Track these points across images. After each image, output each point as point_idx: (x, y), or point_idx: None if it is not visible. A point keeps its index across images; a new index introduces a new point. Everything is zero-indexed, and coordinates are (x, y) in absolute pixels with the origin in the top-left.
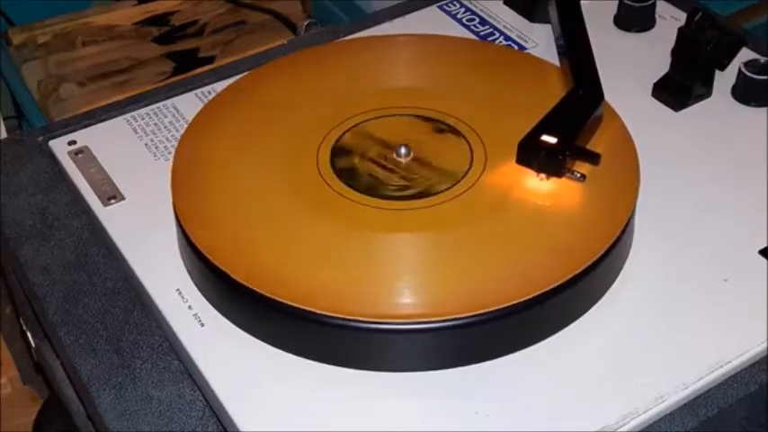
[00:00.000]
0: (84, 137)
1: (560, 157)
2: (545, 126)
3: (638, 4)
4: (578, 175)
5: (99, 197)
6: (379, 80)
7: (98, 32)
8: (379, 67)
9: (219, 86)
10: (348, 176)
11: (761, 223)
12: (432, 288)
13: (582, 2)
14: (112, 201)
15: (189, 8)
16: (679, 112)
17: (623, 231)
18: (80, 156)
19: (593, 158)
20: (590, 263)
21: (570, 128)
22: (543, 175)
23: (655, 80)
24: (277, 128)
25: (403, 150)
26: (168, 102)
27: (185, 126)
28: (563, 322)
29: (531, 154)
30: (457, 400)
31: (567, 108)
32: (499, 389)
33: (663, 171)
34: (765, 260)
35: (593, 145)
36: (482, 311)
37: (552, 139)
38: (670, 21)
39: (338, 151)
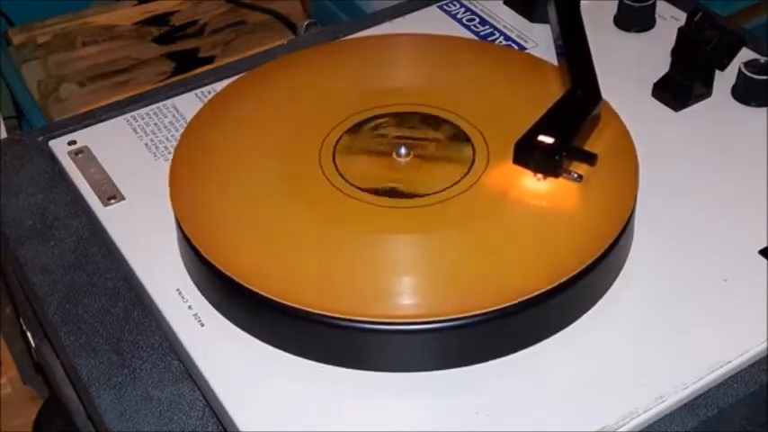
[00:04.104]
0: (84, 137)
1: (557, 157)
2: (542, 126)
3: (638, 4)
4: (575, 175)
5: (99, 197)
6: (379, 80)
7: (98, 32)
8: (379, 67)
9: (219, 86)
10: (349, 176)
11: (761, 223)
12: (432, 288)
13: (582, 2)
14: (112, 201)
15: (189, 8)
16: (679, 112)
17: (623, 231)
18: (80, 156)
19: (590, 159)
20: (590, 263)
21: (567, 128)
22: (540, 175)
23: (655, 80)
24: (277, 127)
25: (403, 150)
26: (168, 102)
27: (185, 126)
28: (563, 322)
29: (528, 154)
30: (457, 400)
31: (565, 108)
32: (499, 389)
33: (663, 171)
34: (765, 260)
35: (593, 145)
36: (482, 311)
37: (549, 140)
38: (670, 21)
39: (339, 151)
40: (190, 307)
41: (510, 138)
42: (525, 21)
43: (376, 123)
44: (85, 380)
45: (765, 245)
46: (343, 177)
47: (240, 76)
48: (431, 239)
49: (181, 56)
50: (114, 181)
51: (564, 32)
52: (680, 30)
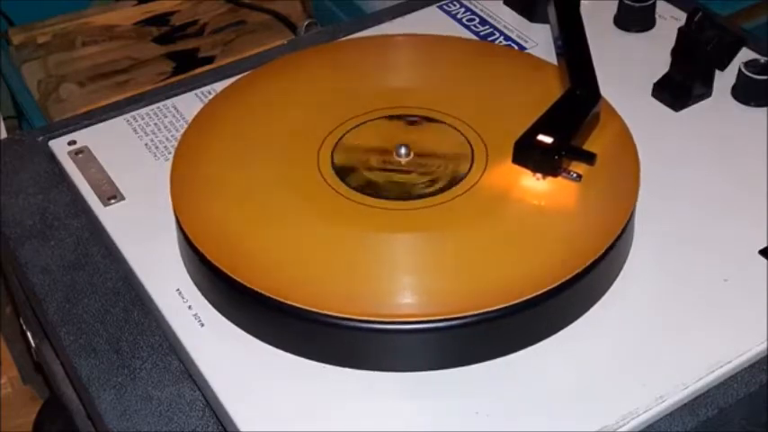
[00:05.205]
0: (84, 137)
1: (556, 156)
2: (541, 126)
3: (638, 4)
4: (574, 174)
5: (99, 197)
6: (378, 80)
7: (98, 32)
8: (379, 68)
9: (219, 86)
10: (349, 176)
11: (761, 223)
12: (432, 288)
13: (582, 2)
14: (112, 201)
15: (189, 8)
16: (679, 112)
17: (623, 231)
18: (80, 156)
19: (589, 158)
20: (590, 263)
21: (566, 128)
22: (539, 175)
23: (655, 80)
24: (277, 128)
25: (403, 150)
26: (168, 102)
27: (185, 126)
28: (563, 322)
29: (527, 154)
30: (457, 400)
31: (564, 108)
32: (499, 389)
33: (663, 171)
34: (765, 260)
35: (595, 145)
36: (482, 311)
37: (548, 139)
38: (670, 21)
39: (339, 151)
40: (190, 307)
41: (509, 138)
42: (525, 21)
43: (376, 124)
44: (85, 380)
45: (765, 245)
46: (342, 178)
47: (241, 76)
48: (431, 239)
49: (181, 56)
50: (114, 181)
51: (564, 32)
52: (680, 30)
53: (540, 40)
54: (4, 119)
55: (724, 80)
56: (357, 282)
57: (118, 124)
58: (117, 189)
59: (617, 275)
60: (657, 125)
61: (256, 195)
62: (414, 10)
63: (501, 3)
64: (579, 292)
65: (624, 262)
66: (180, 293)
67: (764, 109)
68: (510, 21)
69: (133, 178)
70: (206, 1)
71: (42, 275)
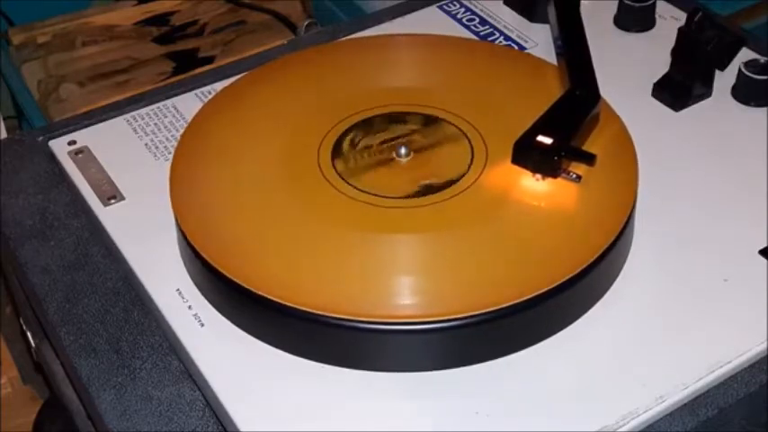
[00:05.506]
0: (84, 137)
1: (556, 157)
2: (541, 126)
3: (638, 4)
4: (574, 175)
5: (99, 197)
6: (378, 80)
7: (98, 32)
8: (379, 67)
9: (219, 86)
10: (349, 176)
11: (761, 223)
12: (432, 288)
13: (582, 2)
14: (112, 201)
15: (189, 8)
16: (679, 112)
17: (623, 231)
18: (80, 156)
19: (589, 159)
20: (590, 263)
21: (566, 128)
22: (539, 176)
23: (655, 80)
24: (277, 127)
25: (403, 150)
26: (168, 102)
27: (185, 126)
28: (563, 323)
29: (527, 154)
30: (457, 400)
31: (564, 109)
32: (499, 389)
33: (663, 171)
34: (765, 260)
35: (593, 145)
36: (482, 311)
37: (548, 140)
38: (670, 21)
39: (338, 151)
40: (190, 307)
41: (509, 138)
42: (525, 21)
43: (375, 123)
44: (85, 380)
45: (765, 245)
46: (342, 178)
47: (240, 76)
48: (430, 240)
49: (181, 56)
50: (114, 181)
51: (564, 32)
52: (680, 30)
53: (540, 40)
54: (4, 119)
55: (724, 80)
56: (357, 282)
57: (118, 124)
58: (117, 189)
59: (617, 275)
60: (657, 125)
61: (256, 196)
62: (414, 10)
63: (501, 3)
64: (579, 292)
65: (624, 262)
66: (180, 293)
67: (764, 109)
68: (510, 21)
69: (133, 178)
70: (206, 1)
71: (42, 275)
